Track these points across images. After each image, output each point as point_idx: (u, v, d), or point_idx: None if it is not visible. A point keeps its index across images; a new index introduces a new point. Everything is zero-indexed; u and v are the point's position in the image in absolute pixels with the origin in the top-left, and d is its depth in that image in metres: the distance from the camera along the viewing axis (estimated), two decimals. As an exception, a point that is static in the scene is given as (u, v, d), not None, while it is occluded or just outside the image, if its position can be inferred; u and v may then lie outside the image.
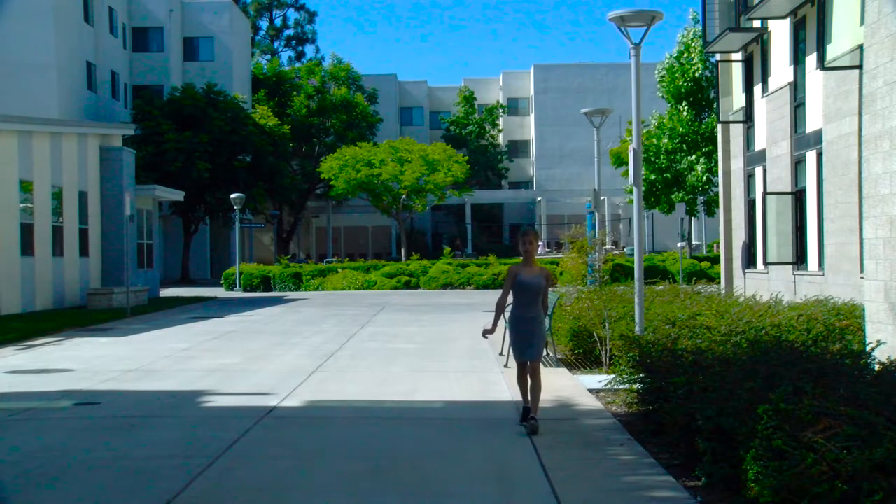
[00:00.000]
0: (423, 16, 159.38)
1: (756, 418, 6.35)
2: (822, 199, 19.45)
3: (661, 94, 43.12)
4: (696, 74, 40.82)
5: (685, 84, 41.16)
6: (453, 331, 20.34)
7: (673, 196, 44.21)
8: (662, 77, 42.18)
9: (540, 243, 62.86)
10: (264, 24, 77.94)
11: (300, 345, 17.92)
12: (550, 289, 10.53)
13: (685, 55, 41.21)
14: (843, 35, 17.73)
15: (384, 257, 61.69)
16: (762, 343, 8.87)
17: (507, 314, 9.94)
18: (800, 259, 21.06)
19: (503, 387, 12.17)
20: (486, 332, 9.46)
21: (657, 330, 11.45)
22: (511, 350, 9.72)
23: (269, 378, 13.34)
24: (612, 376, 10.63)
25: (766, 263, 22.51)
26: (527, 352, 9.30)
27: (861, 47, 14.19)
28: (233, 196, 42.45)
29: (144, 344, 18.56)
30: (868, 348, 8.96)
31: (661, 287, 17.72)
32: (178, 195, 39.25)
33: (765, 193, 22.18)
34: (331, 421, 10.33)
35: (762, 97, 23.26)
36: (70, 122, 36.17)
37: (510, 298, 9.48)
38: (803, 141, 20.70)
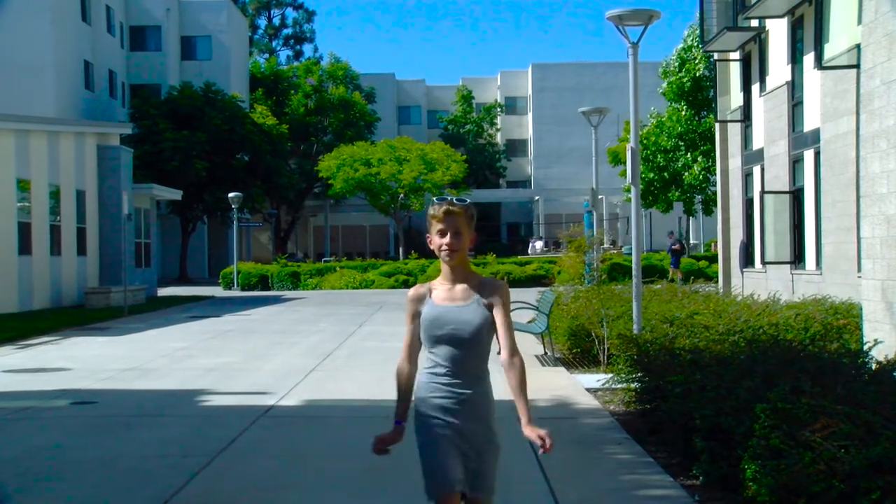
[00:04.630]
0: (422, 15, 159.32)
1: (754, 417, 6.35)
2: (819, 199, 19.47)
3: (661, 91, 43.09)
4: (698, 73, 40.78)
5: (686, 82, 41.13)
6: (451, 330, 20.27)
7: (671, 195, 44.21)
8: (667, 74, 42.15)
9: (537, 241, 62.97)
10: (262, 22, 77.91)
11: (298, 344, 17.91)
12: (547, 289, 10.00)
13: (688, 53, 41.18)
14: (841, 34, 17.74)
15: (382, 256, 61.64)
16: (760, 342, 8.86)
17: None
18: (797, 258, 21.07)
19: (502, 387, 12.14)
20: (379, 445, 4.57)
21: (655, 329, 11.42)
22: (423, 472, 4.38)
23: (266, 377, 13.33)
24: (610, 375, 10.61)
25: (763, 262, 22.51)
26: (452, 476, 4.29)
27: (858, 46, 14.17)
28: (230, 195, 42.43)
29: (142, 343, 18.55)
30: (865, 347, 8.95)
31: (658, 286, 17.71)
32: (176, 194, 39.23)
33: (762, 192, 22.19)
34: (328, 420, 10.32)
35: (760, 96, 23.27)
36: (67, 121, 36.13)
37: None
38: (801, 140, 20.70)
